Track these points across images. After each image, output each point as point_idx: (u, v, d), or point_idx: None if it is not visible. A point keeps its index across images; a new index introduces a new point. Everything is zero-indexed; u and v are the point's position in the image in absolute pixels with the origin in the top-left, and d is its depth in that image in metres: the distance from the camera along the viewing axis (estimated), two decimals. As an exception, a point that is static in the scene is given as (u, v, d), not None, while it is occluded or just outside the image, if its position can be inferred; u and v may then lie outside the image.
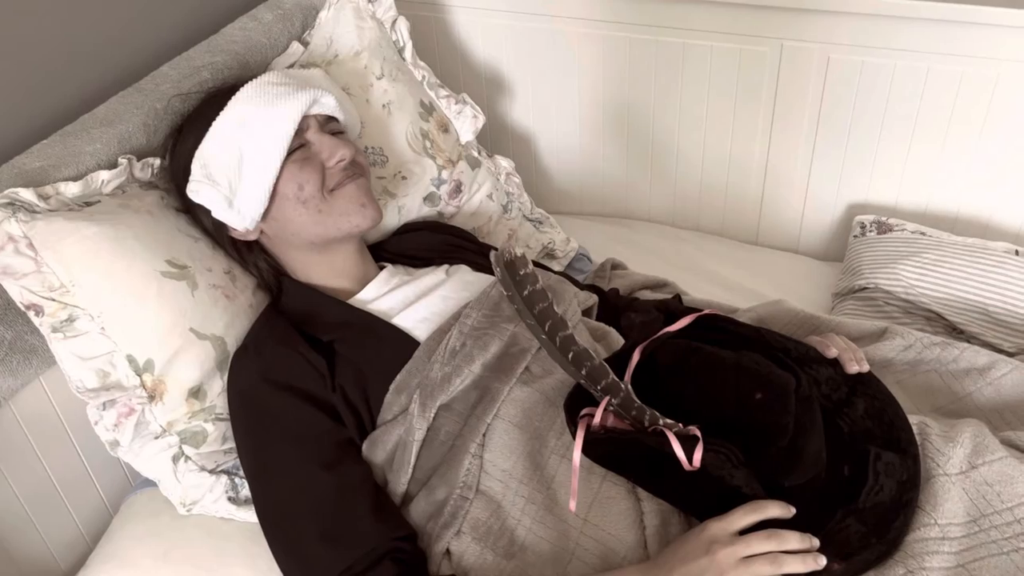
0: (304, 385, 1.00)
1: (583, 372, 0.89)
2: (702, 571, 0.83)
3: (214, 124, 1.05)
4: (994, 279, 1.28)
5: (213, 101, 1.08)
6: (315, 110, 1.07)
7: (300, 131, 1.06)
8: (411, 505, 0.99)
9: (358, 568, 0.91)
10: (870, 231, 1.44)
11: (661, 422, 0.88)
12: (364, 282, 1.12)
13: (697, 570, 0.83)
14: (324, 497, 0.95)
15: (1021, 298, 1.26)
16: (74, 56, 1.15)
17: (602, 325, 1.13)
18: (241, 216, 1.05)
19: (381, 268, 1.16)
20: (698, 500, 0.90)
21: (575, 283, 1.24)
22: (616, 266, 1.46)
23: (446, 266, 1.18)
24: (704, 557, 0.84)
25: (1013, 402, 1.06)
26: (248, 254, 1.12)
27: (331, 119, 1.11)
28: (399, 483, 0.98)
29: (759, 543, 0.83)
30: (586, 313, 1.17)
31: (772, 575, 0.82)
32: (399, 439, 0.98)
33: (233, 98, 1.06)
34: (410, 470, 0.97)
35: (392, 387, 1.00)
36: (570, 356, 0.89)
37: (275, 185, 1.04)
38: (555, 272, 1.23)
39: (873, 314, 1.33)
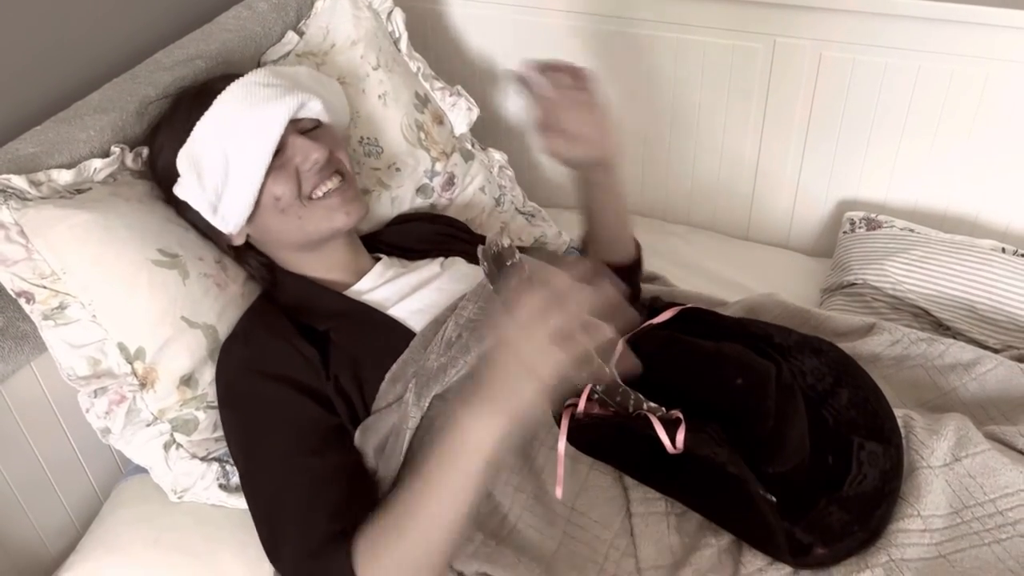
0: (292, 374, 1.00)
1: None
2: (516, 379, 0.74)
3: (199, 124, 1.02)
4: (981, 276, 1.29)
5: (194, 101, 1.05)
6: (302, 114, 1.05)
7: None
8: (401, 493, 0.99)
9: (341, 553, 0.91)
10: (859, 227, 1.45)
11: (645, 406, 0.89)
12: (359, 274, 1.12)
13: (512, 381, 0.74)
14: (305, 483, 0.95)
15: (1007, 295, 1.27)
16: (68, 43, 1.15)
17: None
18: (225, 222, 1.05)
19: (376, 259, 1.17)
20: (683, 483, 0.90)
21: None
22: (607, 259, 1.46)
23: (441, 259, 1.18)
24: (511, 365, 0.73)
25: (997, 397, 1.07)
26: (241, 253, 1.12)
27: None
28: (390, 470, 0.99)
29: (543, 311, 0.71)
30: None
31: (589, 344, 0.72)
32: (393, 426, 0.99)
33: (219, 98, 1.03)
34: (402, 458, 0.98)
35: (388, 376, 1.00)
36: None
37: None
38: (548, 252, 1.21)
39: (861, 310, 1.34)
